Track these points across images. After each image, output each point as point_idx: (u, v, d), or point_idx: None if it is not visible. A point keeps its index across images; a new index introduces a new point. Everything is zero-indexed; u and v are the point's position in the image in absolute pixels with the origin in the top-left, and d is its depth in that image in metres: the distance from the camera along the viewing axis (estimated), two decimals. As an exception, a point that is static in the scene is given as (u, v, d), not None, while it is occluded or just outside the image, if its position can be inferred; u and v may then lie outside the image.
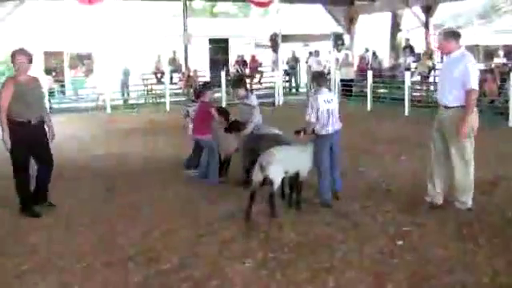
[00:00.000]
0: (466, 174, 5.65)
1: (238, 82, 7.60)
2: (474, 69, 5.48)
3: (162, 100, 18.30)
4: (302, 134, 6.05)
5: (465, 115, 5.45)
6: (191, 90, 17.39)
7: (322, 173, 6.04)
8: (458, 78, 5.46)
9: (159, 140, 11.22)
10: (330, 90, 6.45)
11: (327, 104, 6.04)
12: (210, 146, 7.29)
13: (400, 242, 4.93)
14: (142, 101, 19.61)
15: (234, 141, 7.21)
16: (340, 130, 6.21)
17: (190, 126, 7.70)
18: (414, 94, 16.21)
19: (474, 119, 5.56)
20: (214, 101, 8.06)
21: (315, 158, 6.02)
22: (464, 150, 5.59)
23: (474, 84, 5.43)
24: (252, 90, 21.50)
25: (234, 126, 7.05)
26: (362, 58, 21.10)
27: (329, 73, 19.14)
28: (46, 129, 6.12)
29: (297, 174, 5.92)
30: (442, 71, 5.99)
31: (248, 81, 22.13)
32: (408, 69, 17.42)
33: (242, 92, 7.18)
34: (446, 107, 5.66)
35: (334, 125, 6.10)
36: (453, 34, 5.66)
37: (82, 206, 6.39)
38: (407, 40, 20.75)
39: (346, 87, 18.43)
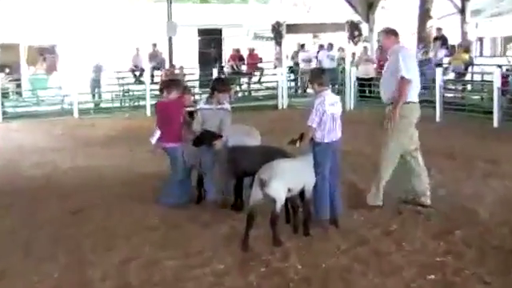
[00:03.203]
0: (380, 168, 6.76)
1: (224, 83, 7.68)
2: (406, 58, 6.50)
3: (142, 103, 18.36)
4: (298, 143, 6.10)
5: (396, 104, 6.43)
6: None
7: (321, 187, 6.11)
8: (392, 71, 6.48)
9: (138, 151, 11.20)
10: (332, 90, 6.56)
11: (332, 107, 6.13)
12: (173, 157, 7.31)
13: (431, 276, 4.94)
14: (117, 104, 19.66)
15: (197, 153, 7.20)
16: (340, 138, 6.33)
17: (157, 132, 7.50)
18: (447, 94, 16.25)
19: (409, 112, 6.59)
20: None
21: (314, 171, 6.09)
22: (386, 147, 6.67)
23: (406, 72, 6.43)
24: (250, 92, 21.88)
25: (207, 138, 6.92)
26: (382, 53, 21.18)
27: (343, 70, 19.21)
28: None
29: (302, 191, 5.95)
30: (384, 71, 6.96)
31: (245, 80, 22.34)
32: (440, 64, 17.49)
33: (225, 97, 7.24)
34: (388, 104, 6.64)
35: (337, 132, 6.19)
36: (393, 32, 6.86)
37: (43, 233, 6.38)
38: (439, 30, 20.82)
39: (364, 87, 18.50)
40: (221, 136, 6.89)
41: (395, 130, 6.70)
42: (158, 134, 7.30)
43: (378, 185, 6.88)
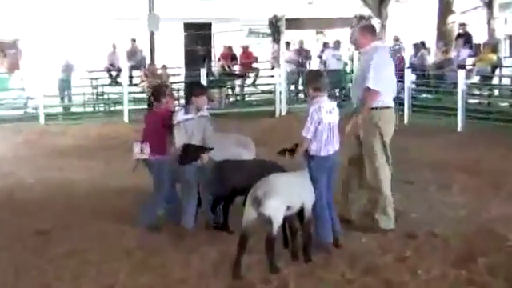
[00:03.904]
0: (377, 185, 6.83)
1: (200, 85, 7.84)
2: (379, 66, 6.75)
3: (118, 107, 18.37)
4: (288, 155, 6.15)
5: (360, 112, 6.74)
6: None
7: (320, 206, 6.16)
8: (365, 73, 6.75)
9: (114, 163, 11.22)
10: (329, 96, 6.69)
11: (329, 116, 6.20)
12: (158, 171, 7.33)
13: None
14: (89, 108, 19.65)
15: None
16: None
17: (141, 146, 7.45)
18: (471, 100, 16.32)
19: (382, 117, 6.81)
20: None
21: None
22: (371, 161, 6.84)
23: (373, 83, 6.68)
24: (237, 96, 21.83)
25: (192, 152, 6.91)
26: (396, 52, 21.27)
27: (351, 72, 19.27)
28: None
29: (301, 210, 5.98)
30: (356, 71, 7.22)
31: (238, 82, 22.38)
32: (463, 66, 17.55)
33: (204, 101, 7.27)
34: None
35: (334, 144, 6.27)
36: (370, 29, 7.14)
37: (2, 258, 6.36)
38: (462, 26, 20.92)
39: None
40: (209, 148, 6.93)
41: (371, 140, 6.87)
42: (147, 148, 7.32)
43: (384, 207, 6.93)
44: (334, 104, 6.43)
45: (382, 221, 6.90)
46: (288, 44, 22.17)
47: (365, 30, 7.13)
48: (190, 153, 6.88)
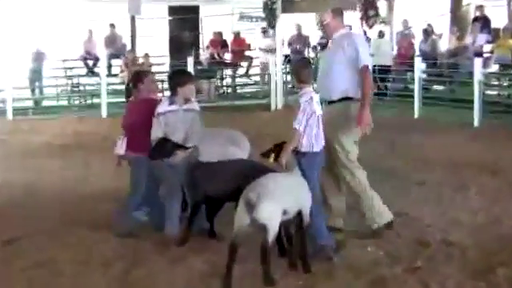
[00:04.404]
0: (358, 187, 6.87)
1: (185, 73, 7.80)
2: (365, 45, 7.09)
3: (96, 100, 18.31)
4: (272, 157, 6.15)
5: (364, 102, 6.63)
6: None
7: (315, 207, 6.18)
8: (345, 60, 6.77)
9: (90, 163, 11.22)
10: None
11: (318, 108, 6.33)
12: (136, 169, 7.34)
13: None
14: (63, 101, 19.61)
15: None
16: None
17: (122, 140, 7.53)
18: (489, 92, 16.33)
19: (356, 113, 6.73)
20: None
21: None
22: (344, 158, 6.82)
23: (368, 60, 6.84)
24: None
25: (164, 149, 6.86)
26: (404, 37, 21.29)
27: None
28: None
29: (299, 215, 5.97)
30: (321, 59, 7.20)
31: (229, 72, 22.35)
32: (480, 54, 17.58)
33: (191, 90, 7.25)
34: (331, 102, 6.85)
35: (323, 138, 6.38)
36: (341, 12, 7.22)
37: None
38: (480, 8, 20.92)
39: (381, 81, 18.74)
40: (184, 147, 6.89)
41: (346, 136, 6.85)
42: (124, 142, 7.37)
43: (371, 205, 6.90)
44: (317, 96, 6.50)
45: (373, 220, 6.92)
46: (264, 31, 22.02)
47: (337, 14, 7.21)
48: (163, 148, 6.86)
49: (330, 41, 7.38)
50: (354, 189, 6.90)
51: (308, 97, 6.26)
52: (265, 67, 20.83)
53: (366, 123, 6.66)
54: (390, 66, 19.24)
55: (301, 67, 6.59)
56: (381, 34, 20.04)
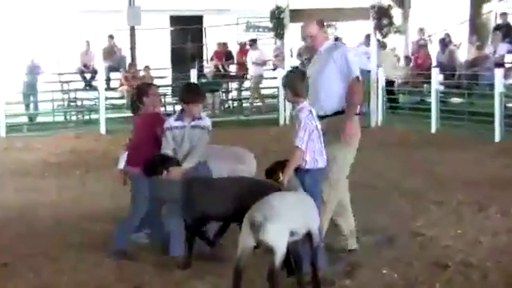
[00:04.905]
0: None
1: (193, 90, 7.59)
2: (354, 57, 7.06)
3: (94, 116, 18.34)
4: (280, 175, 6.10)
5: (350, 113, 6.67)
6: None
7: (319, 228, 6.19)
8: (337, 73, 6.80)
9: (87, 182, 11.19)
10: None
11: (318, 123, 6.33)
12: (135, 186, 7.31)
13: None
14: (59, 117, 19.63)
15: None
16: None
17: (124, 154, 7.59)
18: (510, 105, 16.26)
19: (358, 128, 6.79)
20: None
21: None
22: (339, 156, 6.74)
23: (359, 72, 6.85)
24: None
25: (158, 164, 6.80)
26: (421, 48, 21.28)
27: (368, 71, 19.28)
28: None
29: (308, 236, 5.95)
30: (311, 74, 6.95)
31: (235, 85, 22.37)
32: (501, 64, 17.53)
33: (198, 109, 7.21)
34: (324, 117, 6.73)
35: (324, 154, 6.36)
36: (324, 24, 7.31)
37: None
38: (502, 16, 20.88)
39: (394, 95, 18.73)
40: (177, 161, 6.83)
41: (342, 147, 6.76)
42: (124, 156, 7.41)
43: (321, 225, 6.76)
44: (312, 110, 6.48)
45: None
46: (254, 42, 22.00)
47: (322, 26, 7.28)
48: (155, 164, 6.80)
49: (315, 54, 7.38)
50: (324, 200, 6.71)
51: (306, 111, 6.24)
52: (257, 81, 20.89)
53: (348, 134, 6.63)
54: (393, 82, 19.18)
55: (296, 80, 6.48)
56: (383, 45, 19.98)
